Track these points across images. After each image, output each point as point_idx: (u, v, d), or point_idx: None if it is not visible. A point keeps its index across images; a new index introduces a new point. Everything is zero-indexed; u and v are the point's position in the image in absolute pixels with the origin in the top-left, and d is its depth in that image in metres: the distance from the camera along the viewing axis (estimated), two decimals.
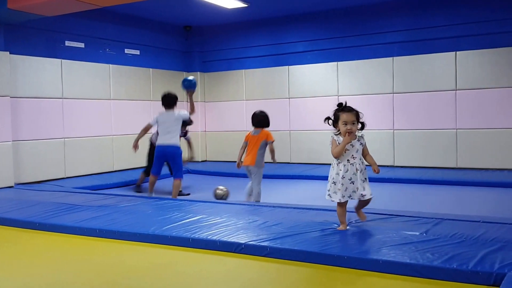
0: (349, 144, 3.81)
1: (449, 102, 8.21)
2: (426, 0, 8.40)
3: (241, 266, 3.41)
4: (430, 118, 8.36)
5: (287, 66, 9.63)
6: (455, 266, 2.94)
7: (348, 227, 3.93)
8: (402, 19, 8.57)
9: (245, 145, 5.77)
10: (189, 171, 9.17)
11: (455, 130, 8.20)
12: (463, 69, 8.09)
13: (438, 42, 8.31)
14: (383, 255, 3.21)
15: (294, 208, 4.94)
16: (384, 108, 8.62)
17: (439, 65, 8.25)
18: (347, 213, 3.98)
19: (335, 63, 9.13)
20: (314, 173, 8.03)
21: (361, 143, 3.88)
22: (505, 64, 7.80)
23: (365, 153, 3.93)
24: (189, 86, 6.28)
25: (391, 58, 8.62)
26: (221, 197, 6.08)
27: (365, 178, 3.89)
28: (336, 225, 4.01)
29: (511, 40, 7.79)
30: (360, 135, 3.89)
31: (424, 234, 3.69)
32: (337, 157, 3.85)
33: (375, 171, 3.88)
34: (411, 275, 3.01)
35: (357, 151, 3.85)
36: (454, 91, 8.17)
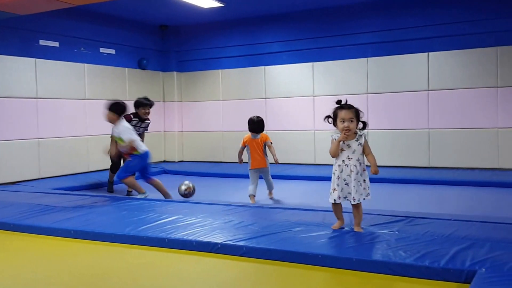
0: (346, 144, 3.76)
1: (422, 102, 8.37)
2: (399, 1, 8.53)
3: (218, 265, 3.43)
4: (403, 118, 8.51)
5: (263, 66, 9.66)
6: (427, 264, 3.00)
7: (343, 225, 3.92)
8: (376, 20, 8.69)
9: (243, 149, 6.03)
10: (166, 171, 9.14)
11: (428, 129, 8.36)
12: (435, 70, 8.25)
13: (410, 43, 8.45)
14: (357, 253, 3.27)
15: (270, 208, 4.98)
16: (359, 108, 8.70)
17: (412, 66, 8.40)
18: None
19: (311, 63, 9.20)
20: (290, 173, 8.08)
21: (360, 143, 3.77)
22: (476, 65, 7.98)
23: (366, 153, 3.82)
24: None
25: (365, 58, 8.73)
26: (187, 194, 6.05)
27: (363, 180, 3.79)
28: (311, 225, 4.05)
29: (481, 41, 7.97)
30: (361, 134, 3.80)
31: (397, 232, 3.77)
32: (333, 156, 3.80)
33: (371, 171, 3.79)
34: (384, 272, 3.07)
35: (353, 152, 3.75)
36: (427, 92, 8.33)
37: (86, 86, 8.70)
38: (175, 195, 6.11)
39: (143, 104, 6.82)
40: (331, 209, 4.49)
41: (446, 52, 8.19)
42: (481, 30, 7.98)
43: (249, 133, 6.06)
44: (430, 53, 8.27)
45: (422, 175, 7.46)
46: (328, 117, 3.85)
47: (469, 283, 2.80)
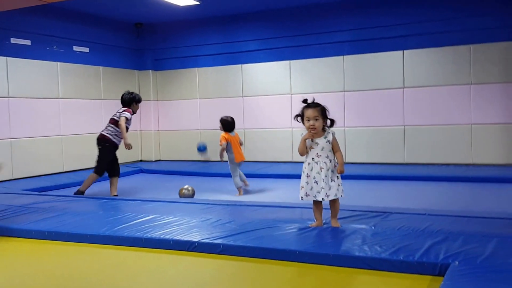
0: (314, 142, 3.76)
1: (397, 99, 8.47)
2: (374, 0, 8.60)
3: (195, 264, 3.41)
4: (379, 115, 8.60)
5: (240, 65, 9.64)
6: (402, 258, 3.04)
7: (324, 225, 3.90)
8: (352, 18, 8.75)
9: (225, 145, 6.41)
10: (143, 171, 9.07)
11: (403, 126, 8.47)
12: (410, 68, 8.35)
13: (386, 41, 8.54)
14: (334, 249, 3.29)
15: (247, 205, 4.97)
16: (335, 106, 8.77)
17: (388, 63, 8.49)
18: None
19: (288, 61, 9.23)
20: (268, 172, 8.09)
21: (328, 141, 3.76)
22: (449, 63, 8.11)
23: (334, 150, 3.80)
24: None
25: (342, 56, 8.80)
26: (187, 197, 6.00)
27: (337, 177, 3.78)
28: (289, 222, 4.05)
29: (455, 39, 8.09)
30: (329, 131, 3.80)
31: (373, 227, 3.82)
32: (300, 153, 3.83)
33: (337, 170, 3.77)
34: (360, 267, 3.10)
35: (322, 149, 3.75)
36: (402, 89, 8.43)
37: (60, 85, 8.57)
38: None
39: (140, 99, 6.63)
40: (308, 206, 4.52)
41: (420, 50, 8.31)
42: (454, 28, 8.11)
43: (223, 132, 6.48)
44: (405, 51, 8.38)
45: (398, 172, 7.54)
46: (297, 115, 3.88)
47: (442, 276, 2.84)
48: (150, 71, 10.37)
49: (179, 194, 6.01)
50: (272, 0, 8.66)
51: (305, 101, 3.81)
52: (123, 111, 6.31)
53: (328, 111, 3.82)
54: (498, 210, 4.73)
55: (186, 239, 3.66)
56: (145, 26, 10.34)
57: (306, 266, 3.22)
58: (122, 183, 7.48)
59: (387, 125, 8.56)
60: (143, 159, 10.47)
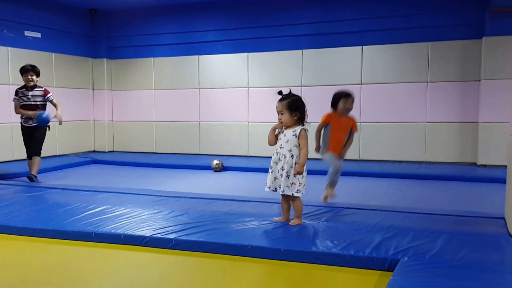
0: (283, 133, 3.73)
1: (355, 95, 8.53)
2: None
3: (146, 259, 3.32)
4: None
5: (197, 56, 9.49)
6: (352, 253, 3.07)
7: (289, 220, 3.85)
8: (312, 11, 8.72)
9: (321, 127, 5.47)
10: (96, 162, 8.84)
11: (359, 123, 8.56)
12: (368, 64, 8.43)
13: (345, 36, 8.56)
14: (285, 244, 3.29)
15: (201, 198, 4.92)
16: None
17: (346, 59, 8.53)
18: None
19: (246, 54, 9.15)
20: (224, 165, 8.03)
21: (294, 135, 3.68)
22: (407, 60, 8.21)
23: (300, 147, 3.69)
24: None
25: (301, 50, 8.79)
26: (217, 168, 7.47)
27: (294, 175, 3.67)
28: (242, 216, 4.03)
29: (413, 36, 8.19)
30: (301, 126, 3.70)
31: (325, 222, 3.84)
32: (268, 143, 3.81)
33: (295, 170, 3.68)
34: (311, 262, 3.12)
35: (287, 142, 3.70)
36: (360, 85, 8.52)
37: (10, 71, 8.19)
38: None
39: (22, 70, 6.46)
40: (262, 200, 4.50)
41: (379, 46, 8.37)
42: (413, 25, 8.19)
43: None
44: (364, 47, 8.44)
45: (352, 168, 7.62)
46: None
47: (392, 271, 2.88)
48: (105, 59, 10.06)
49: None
50: None
51: (280, 93, 3.77)
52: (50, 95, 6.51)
53: (301, 104, 3.70)
54: (447, 207, 4.86)
55: (137, 233, 3.57)
56: (99, 12, 9.97)
57: (258, 260, 3.20)
58: (74, 173, 7.29)
59: None
60: (96, 149, 10.20)
